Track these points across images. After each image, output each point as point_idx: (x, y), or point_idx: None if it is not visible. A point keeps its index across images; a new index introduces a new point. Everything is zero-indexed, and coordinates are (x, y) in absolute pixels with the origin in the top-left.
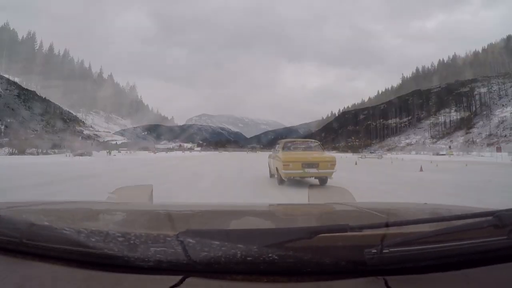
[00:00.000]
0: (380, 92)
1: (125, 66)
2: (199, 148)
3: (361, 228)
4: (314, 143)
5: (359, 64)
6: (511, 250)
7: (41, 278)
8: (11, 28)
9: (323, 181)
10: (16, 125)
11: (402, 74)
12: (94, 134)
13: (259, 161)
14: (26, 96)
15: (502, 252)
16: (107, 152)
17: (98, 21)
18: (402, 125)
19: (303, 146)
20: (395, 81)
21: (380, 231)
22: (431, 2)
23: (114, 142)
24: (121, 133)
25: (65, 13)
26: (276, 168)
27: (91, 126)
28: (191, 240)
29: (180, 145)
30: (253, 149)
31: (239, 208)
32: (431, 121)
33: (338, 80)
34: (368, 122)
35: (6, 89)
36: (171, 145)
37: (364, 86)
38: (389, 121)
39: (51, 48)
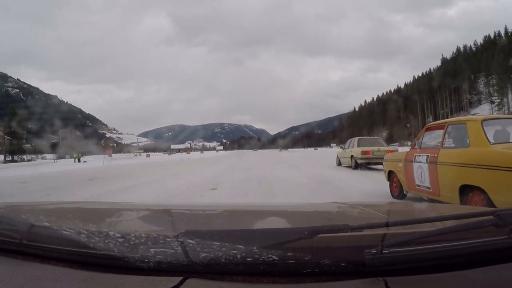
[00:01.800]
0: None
1: (146, 68)
2: (221, 147)
3: (361, 228)
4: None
5: (381, 56)
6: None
7: (41, 279)
8: None
9: None
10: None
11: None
12: (117, 137)
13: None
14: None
15: (503, 252)
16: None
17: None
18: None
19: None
20: (418, 72)
21: (380, 231)
22: None
23: (136, 144)
24: (145, 134)
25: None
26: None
27: (114, 129)
28: (191, 241)
29: (203, 145)
30: (284, 147)
31: (239, 209)
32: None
33: (360, 72)
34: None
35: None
36: (187, 145)
37: (388, 78)
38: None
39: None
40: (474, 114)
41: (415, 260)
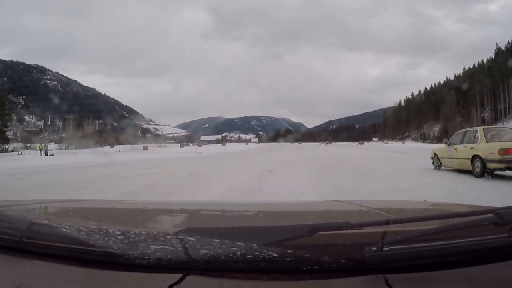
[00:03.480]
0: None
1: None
2: (256, 139)
3: (361, 225)
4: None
5: (421, 52)
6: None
7: (41, 276)
8: None
9: None
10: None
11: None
12: (153, 128)
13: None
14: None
15: (503, 250)
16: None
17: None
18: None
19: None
20: (458, 69)
21: (381, 229)
22: None
23: (171, 135)
24: (182, 126)
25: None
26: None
27: (151, 120)
28: (191, 238)
29: (239, 137)
30: (326, 140)
31: (238, 206)
32: None
33: (399, 68)
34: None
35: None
36: (218, 136)
37: (428, 74)
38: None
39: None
40: None
41: (415, 257)
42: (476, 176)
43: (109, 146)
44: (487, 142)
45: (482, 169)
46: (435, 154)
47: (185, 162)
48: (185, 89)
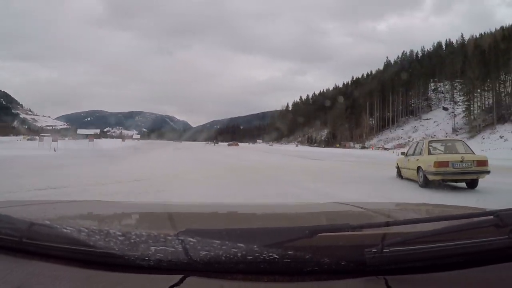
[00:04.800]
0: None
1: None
2: (138, 137)
3: (361, 227)
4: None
5: (311, 59)
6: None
7: (41, 277)
8: None
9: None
10: None
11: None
12: (31, 119)
13: None
14: None
15: (503, 252)
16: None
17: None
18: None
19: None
20: (347, 78)
21: (381, 231)
22: (383, 5)
23: (50, 128)
24: (63, 118)
25: None
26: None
27: (30, 110)
28: (191, 239)
29: (121, 132)
30: (212, 140)
31: (239, 208)
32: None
33: (289, 73)
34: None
35: None
36: (95, 131)
37: (317, 81)
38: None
39: None
40: (426, 119)
41: (415, 259)
42: (420, 186)
43: None
44: (428, 154)
45: (423, 180)
46: (397, 163)
47: None
48: (70, 78)
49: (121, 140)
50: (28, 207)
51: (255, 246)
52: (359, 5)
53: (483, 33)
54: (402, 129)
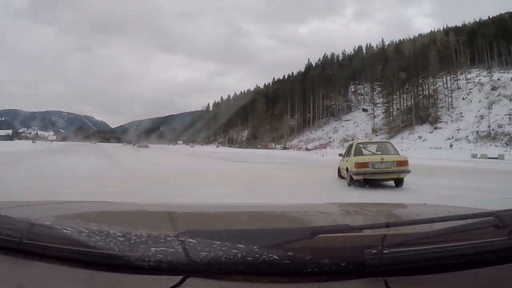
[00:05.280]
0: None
1: None
2: (54, 138)
3: (361, 228)
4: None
5: (231, 61)
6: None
7: (41, 277)
8: None
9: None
10: None
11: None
12: None
13: None
14: None
15: (503, 253)
16: None
17: None
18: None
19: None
20: (268, 79)
21: (381, 232)
22: (305, 10)
23: None
24: None
25: None
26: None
27: None
28: (191, 240)
29: (37, 134)
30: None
31: (239, 209)
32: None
33: (209, 74)
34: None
35: None
36: (7, 132)
37: (237, 82)
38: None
39: None
40: (347, 120)
41: (415, 260)
42: (348, 185)
43: None
44: (353, 156)
45: (350, 179)
46: (339, 164)
47: None
48: None
49: (31, 141)
50: (28, 207)
51: (255, 247)
52: (281, 9)
53: (402, 39)
54: (323, 130)
